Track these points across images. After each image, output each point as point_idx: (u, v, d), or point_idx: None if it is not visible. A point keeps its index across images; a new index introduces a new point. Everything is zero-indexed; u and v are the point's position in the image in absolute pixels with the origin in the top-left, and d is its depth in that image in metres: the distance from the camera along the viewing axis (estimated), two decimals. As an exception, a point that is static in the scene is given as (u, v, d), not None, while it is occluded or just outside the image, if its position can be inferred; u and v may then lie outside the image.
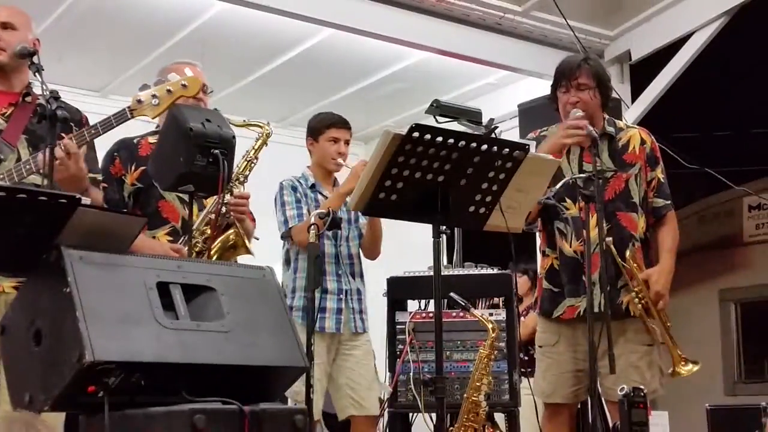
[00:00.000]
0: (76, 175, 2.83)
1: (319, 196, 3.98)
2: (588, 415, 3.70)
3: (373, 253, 4.10)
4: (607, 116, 3.58)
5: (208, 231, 3.25)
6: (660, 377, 3.46)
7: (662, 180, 3.51)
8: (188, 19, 5.22)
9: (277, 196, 3.98)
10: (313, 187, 3.99)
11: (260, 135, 3.47)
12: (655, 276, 3.40)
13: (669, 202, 3.54)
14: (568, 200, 3.41)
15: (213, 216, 3.27)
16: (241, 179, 3.40)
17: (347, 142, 4.07)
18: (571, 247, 3.42)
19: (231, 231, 3.31)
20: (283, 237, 3.92)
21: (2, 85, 3.08)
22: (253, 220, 3.51)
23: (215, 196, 3.28)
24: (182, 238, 3.20)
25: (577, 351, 3.39)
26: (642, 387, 3.00)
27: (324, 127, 4.01)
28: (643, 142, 3.53)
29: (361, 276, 4.07)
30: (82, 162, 2.87)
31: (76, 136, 2.85)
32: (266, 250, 3.63)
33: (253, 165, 3.43)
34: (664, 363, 3.49)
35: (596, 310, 3.20)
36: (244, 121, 3.49)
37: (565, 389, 3.47)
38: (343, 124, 4.04)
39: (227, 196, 3.29)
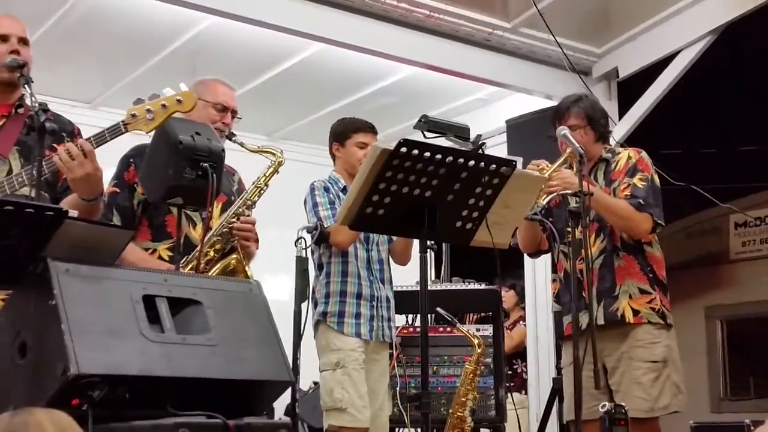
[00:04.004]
0: (93, 174, 2.81)
1: None
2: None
3: (404, 258, 3.99)
4: (608, 146, 3.75)
5: (211, 253, 3.25)
6: (676, 394, 3.46)
7: (638, 185, 3.53)
8: (179, 31, 5.23)
9: (308, 198, 3.87)
10: (344, 189, 3.89)
11: (272, 163, 3.44)
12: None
13: (640, 201, 3.47)
14: (571, 226, 3.49)
15: (217, 237, 3.26)
16: (249, 204, 3.37)
17: None
18: (571, 267, 3.49)
19: (233, 256, 3.29)
20: (319, 240, 3.75)
21: None
22: (257, 241, 3.49)
23: (222, 217, 3.31)
24: (184, 257, 3.17)
25: (589, 370, 3.40)
26: (623, 404, 3.03)
27: (351, 131, 3.97)
28: (629, 158, 3.63)
29: (390, 283, 3.97)
30: (97, 162, 2.84)
31: None
32: (262, 261, 3.60)
33: (262, 192, 3.40)
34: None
35: (598, 323, 3.39)
36: (259, 147, 3.50)
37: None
38: (370, 128, 4.00)
39: (234, 221, 3.29)
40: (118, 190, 3.29)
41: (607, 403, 3.02)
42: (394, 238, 3.95)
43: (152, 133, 2.88)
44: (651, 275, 3.53)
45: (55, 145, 2.95)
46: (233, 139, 3.43)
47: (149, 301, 2.23)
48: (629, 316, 3.46)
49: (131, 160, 3.32)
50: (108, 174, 2.99)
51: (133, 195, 3.30)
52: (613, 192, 3.57)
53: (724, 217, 8.95)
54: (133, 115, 2.82)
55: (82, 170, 2.77)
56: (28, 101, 3.01)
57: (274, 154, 3.46)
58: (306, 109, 6.41)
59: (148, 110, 2.82)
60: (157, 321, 2.22)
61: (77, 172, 2.77)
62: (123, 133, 2.84)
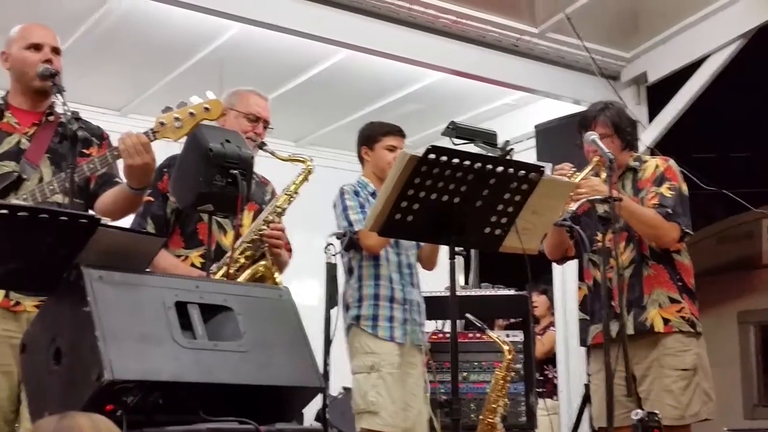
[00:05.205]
0: (150, 164, 2.87)
1: None
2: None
3: (431, 263, 3.98)
4: (635, 154, 3.72)
5: (242, 260, 3.27)
6: (706, 401, 3.43)
7: (666, 195, 3.51)
8: (207, 39, 5.28)
9: (338, 201, 3.88)
10: (374, 194, 3.88)
11: (303, 171, 3.46)
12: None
13: (668, 211, 3.46)
14: (599, 234, 3.43)
15: (247, 243, 3.28)
16: (279, 211, 3.38)
17: None
18: (601, 275, 3.43)
19: (262, 263, 3.30)
20: (348, 247, 3.78)
21: (28, 106, 3.12)
22: (290, 250, 3.49)
23: (253, 224, 3.33)
24: (213, 263, 3.19)
25: (620, 378, 3.33)
26: (656, 412, 3.00)
27: (381, 135, 3.98)
28: (657, 167, 3.62)
29: (419, 287, 3.96)
30: (153, 154, 2.89)
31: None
32: (290, 266, 3.59)
33: (292, 199, 3.42)
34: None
35: (628, 332, 3.33)
36: (289, 155, 3.53)
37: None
38: (399, 132, 4.00)
39: (264, 228, 3.31)
40: (152, 199, 3.33)
41: (640, 411, 3.00)
42: (422, 243, 3.93)
43: (181, 141, 2.91)
44: (680, 284, 3.51)
45: (84, 150, 3.00)
46: (264, 148, 3.46)
47: (181, 308, 2.24)
48: (659, 326, 3.44)
49: (165, 170, 3.36)
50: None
51: (167, 204, 3.34)
52: (641, 201, 3.55)
53: (756, 222, 8.83)
54: (162, 124, 2.85)
55: (141, 159, 2.83)
56: (58, 109, 3.05)
57: (304, 162, 3.48)
58: (333, 116, 6.43)
59: (176, 118, 2.84)
60: (189, 327, 2.23)
61: (137, 160, 2.82)
62: (151, 141, 2.87)
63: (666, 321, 3.44)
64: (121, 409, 2.05)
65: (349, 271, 3.87)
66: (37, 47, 3.07)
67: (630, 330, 3.41)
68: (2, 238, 2.09)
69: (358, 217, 3.77)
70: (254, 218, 3.41)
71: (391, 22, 5.07)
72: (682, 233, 3.48)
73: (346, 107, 6.24)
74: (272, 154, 3.46)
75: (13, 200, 2.86)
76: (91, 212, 3.00)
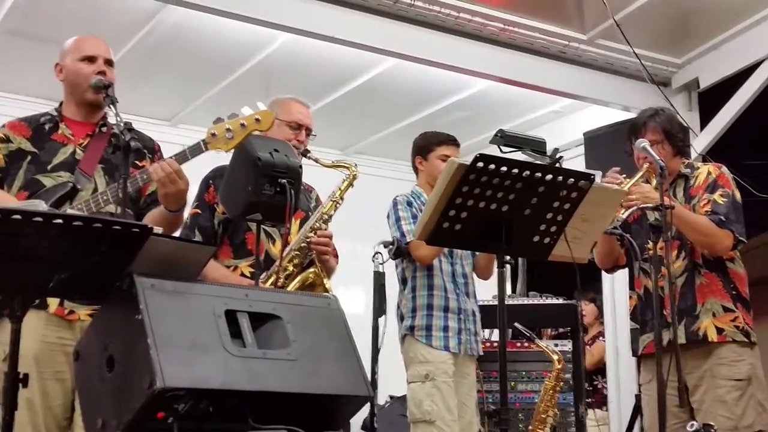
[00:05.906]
0: (185, 190, 2.94)
1: None
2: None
3: (487, 272, 3.97)
4: (687, 161, 3.68)
5: (290, 267, 3.29)
6: (760, 413, 3.37)
7: (718, 202, 3.45)
8: (255, 50, 5.33)
9: (391, 212, 3.90)
10: None
11: (347, 177, 3.48)
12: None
13: (721, 218, 3.40)
14: (650, 242, 3.38)
15: (295, 252, 3.30)
16: (325, 218, 3.40)
17: None
18: (653, 283, 3.37)
19: (311, 270, 3.32)
20: (396, 255, 3.78)
21: (82, 117, 3.18)
22: (336, 256, 3.51)
23: (300, 232, 3.35)
24: (263, 273, 3.22)
25: (672, 388, 3.29)
26: (712, 424, 2.95)
27: (434, 144, 3.99)
28: (709, 173, 3.57)
29: (475, 297, 3.95)
30: (186, 177, 2.95)
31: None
32: (336, 274, 3.60)
33: (338, 205, 3.43)
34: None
35: (679, 342, 3.26)
36: (333, 162, 3.55)
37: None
38: (453, 141, 4.01)
39: (311, 235, 3.33)
40: (199, 211, 3.37)
41: (695, 422, 2.95)
42: (477, 252, 3.92)
43: (231, 152, 2.94)
44: (734, 292, 3.44)
45: (137, 162, 3.05)
46: (308, 155, 3.48)
47: (231, 316, 2.26)
48: (712, 335, 3.38)
49: (211, 181, 3.41)
50: (190, 191, 3.08)
51: (214, 215, 3.37)
52: (693, 208, 3.49)
53: (811, 230, 8.63)
54: (213, 134, 2.88)
55: (175, 187, 2.90)
56: (111, 120, 3.10)
57: (348, 168, 3.49)
58: (380, 124, 6.45)
59: (228, 129, 2.87)
60: (238, 336, 2.24)
61: (171, 188, 2.89)
62: (203, 152, 2.90)
63: (720, 330, 3.38)
64: (172, 417, 2.07)
65: (403, 282, 3.88)
66: (90, 59, 3.13)
67: (682, 339, 3.36)
68: (57, 247, 2.13)
69: (411, 228, 3.77)
70: (300, 226, 3.43)
71: (438, 31, 5.07)
72: (735, 241, 3.41)
73: (393, 116, 6.25)
74: (316, 161, 3.48)
75: (68, 210, 2.92)
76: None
